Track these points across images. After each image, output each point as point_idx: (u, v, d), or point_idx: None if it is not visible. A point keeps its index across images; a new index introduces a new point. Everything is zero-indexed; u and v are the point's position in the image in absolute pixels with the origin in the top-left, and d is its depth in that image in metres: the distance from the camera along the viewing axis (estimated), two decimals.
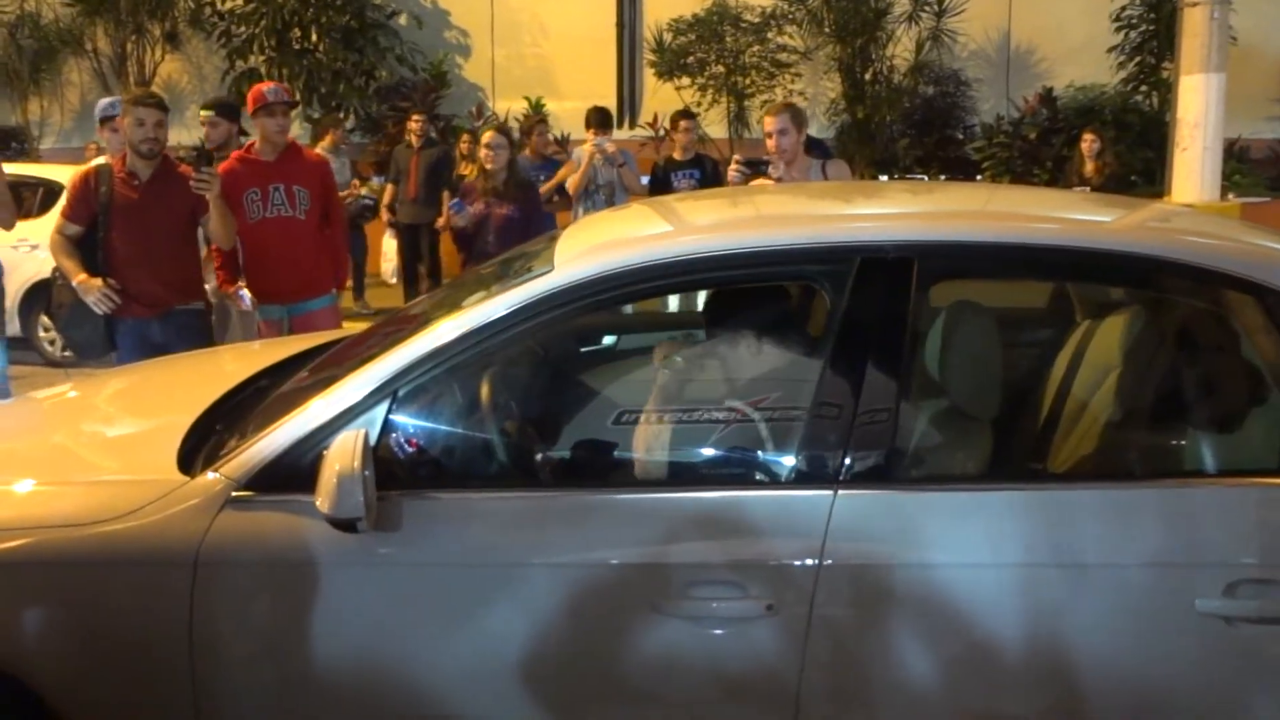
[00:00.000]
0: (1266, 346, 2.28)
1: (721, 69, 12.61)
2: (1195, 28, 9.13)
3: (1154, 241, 2.37)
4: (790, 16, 12.68)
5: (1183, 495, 2.15)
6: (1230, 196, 10.09)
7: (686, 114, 8.11)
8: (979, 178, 11.82)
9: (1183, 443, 2.45)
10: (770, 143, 4.86)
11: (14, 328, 7.67)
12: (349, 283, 7.44)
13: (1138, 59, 12.35)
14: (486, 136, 6.13)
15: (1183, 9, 9.22)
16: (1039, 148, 11.78)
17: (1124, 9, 12.28)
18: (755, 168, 4.71)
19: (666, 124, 7.89)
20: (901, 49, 12.90)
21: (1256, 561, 2.06)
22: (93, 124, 14.34)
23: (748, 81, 12.63)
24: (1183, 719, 2.09)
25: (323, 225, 4.94)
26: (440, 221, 6.05)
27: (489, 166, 5.98)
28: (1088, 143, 9.79)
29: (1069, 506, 2.13)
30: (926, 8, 12.72)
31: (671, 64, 12.65)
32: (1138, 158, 11.55)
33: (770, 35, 12.62)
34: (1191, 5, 9.11)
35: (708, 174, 7.40)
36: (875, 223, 2.59)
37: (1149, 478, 2.29)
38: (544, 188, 7.33)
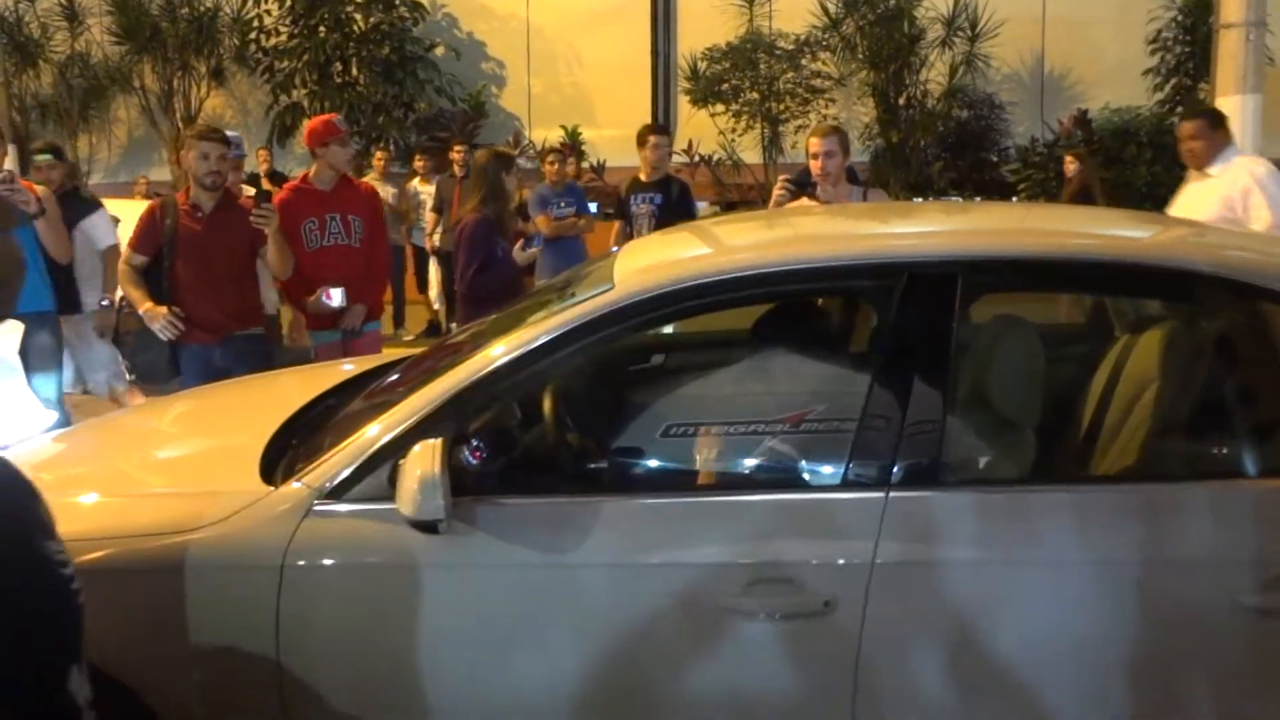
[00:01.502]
0: None
1: (756, 95, 12.77)
2: (1231, 49, 9.18)
3: (1189, 255, 2.47)
4: (824, 43, 12.84)
5: (1221, 495, 2.23)
6: None
7: (658, 129, 7.01)
8: (1014, 200, 11.86)
9: (1221, 448, 2.52)
10: (816, 164, 4.82)
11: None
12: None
13: (1173, 80, 12.39)
14: (552, 156, 5.95)
15: (1218, 31, 9.27)
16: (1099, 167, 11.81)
17: (1160, 31, 12.34)
18: (802, 187, 4.71)
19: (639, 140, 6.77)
20: (935, 73, 13.02)
21: None
22: (140, 160, 14.76)
23: (782, 108, 12.78)
24: (1224, 710, 2.16)
25: (374, 253, 5.08)
26: (527, 253, 5.45)
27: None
28: (1067, 164, 9.95)
29: (1112, 507, 2.22)
30: (960, 33, 12.84)
31: (706, 91, 12.83)
32: (1174, 179, 11.54)
33: (804, 62, 12.78)
34: (1227, 27, 9.16)
35: (672, 199, 6.59)
36: (921, 240, 2.70)
37: (1192, 479, 2.37)
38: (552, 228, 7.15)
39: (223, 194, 4.73)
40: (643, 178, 6.72)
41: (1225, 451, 2.51)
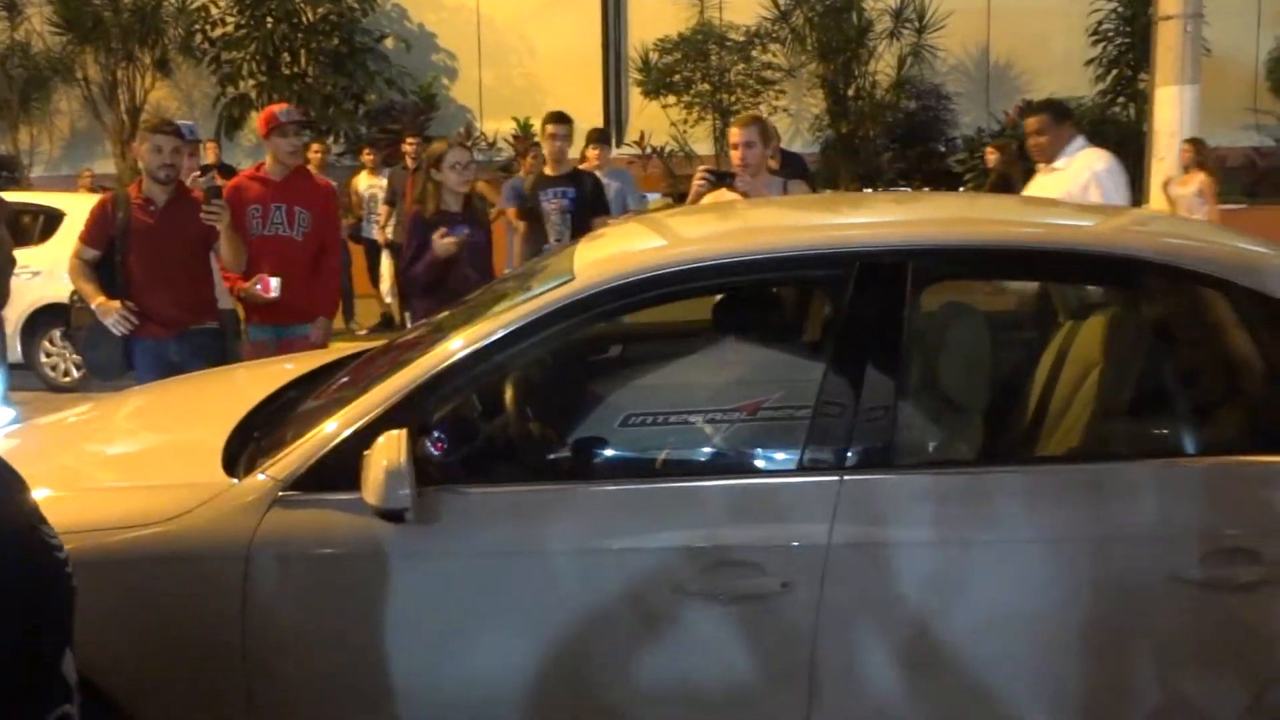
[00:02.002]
0: (1236, 339, 2.47)
1: (707, 87, 12.86)
2: (1169, 41, 9.39)
3: (1132, 243, 2.56)
4: (774, 35, 12.95)
5: (1161, 473, 2.33)
6: None
7: (558, 117, 6.22)
8: (961, 189, 12.05)
9: (1164, 427, 2.62)
10: (736, 154, 4.78)
11: (15, 354, 7.79)
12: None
13: (1115, 71, 12.67)
14: (453, 155, 4.95)
15: (1157, 23, 9.48)
16: (1020, 158, 12.02)
17: (1100, 23, 12.59)
18: (721, 178, 4.64)
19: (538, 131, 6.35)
20: (883, 65, 13.19)
21: (1232, 533, 2.24)
22: (84, 152, 14.52)
23: (733, 99, 12.88)
24: (1165, 678, 2.26)
25: (320, 252, 5.00)
26: (442, 242, 4.76)
27: (460, 190, 4.92)
28: (988, 155, 10.36)
29: (1059, 487, 2.31)
30: (907, 24, 13.02)
31: (657, 83, 12.90)
32: None
33: (755, 53, 12.89)
34: (1165, 19, 9.37)
35: (586, 195, 6.09)
36: (872, 229, 2.77)
37: (1135, 458, 2.46)
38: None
39: (176, 187, 4.71)
40: (548, 171, 6.21)
41: (1165, 432, 2.61)
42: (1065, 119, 5.08)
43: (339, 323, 9.40)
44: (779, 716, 2.30)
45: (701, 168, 4.70)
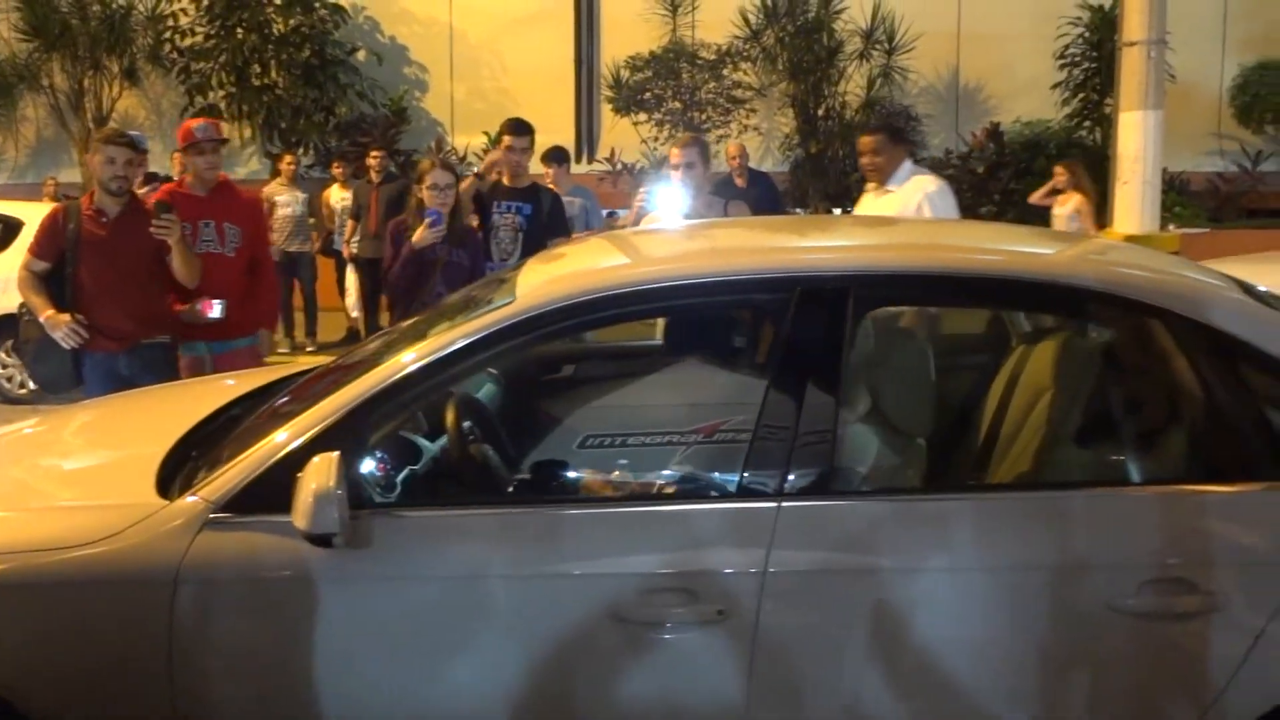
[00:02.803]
0: (1176, 369, 2.47)
1: (678, 105, 12.87)
2: (1133, 66, 9.49)
3: (1075, 271, 2.57)
4: (745, 54, 12.99)
5: (1103, 502, 2.33)
6: (1171, 228, 10.46)
7: (516, 126, 5.71)
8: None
9: (1105, 456, 2.63)
10: (676, 175, 4.74)
11: None
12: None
13: (1081, 95, 12.78)
14: (432, 176, 4.91)
15: (1121, 49, 9.58)
16: (987, 181, 12.13)
17: (1067, 47, 12.71)
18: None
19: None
20: (853, 85, 13.25)
21: (1168, 562, 2.24)
22: (49, 160, 14.37)
23: (704, 117, 12.89)
24: (1103, 707, 2.25)
25: (253, 265, 4.94)
26: (417, 236, 4.75)
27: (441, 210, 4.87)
28: None
29: (997, 514, 2.30)
30: (877, 46, 13.09)
31: (629, 100, 12.90)
32: None
33: (726, 72, 12.92)
34: (1129, 45, 9.47)
35: (543, 213, 5.60)
36: (815, 255, 2.77)
37: (1074, 487, 2.46)
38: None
39: (129, 199, 4.65)
40: (505, 180, 5.65)
41: (1106, 460, 2.62)
42: (900, 140, 5.00)
43: (284, 336, 9.38)
44: None
45: (642, 189, 4.68)
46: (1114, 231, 9.56)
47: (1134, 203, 9.58)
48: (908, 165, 4.93)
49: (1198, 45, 12.49)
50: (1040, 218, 9.77)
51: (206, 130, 4.90)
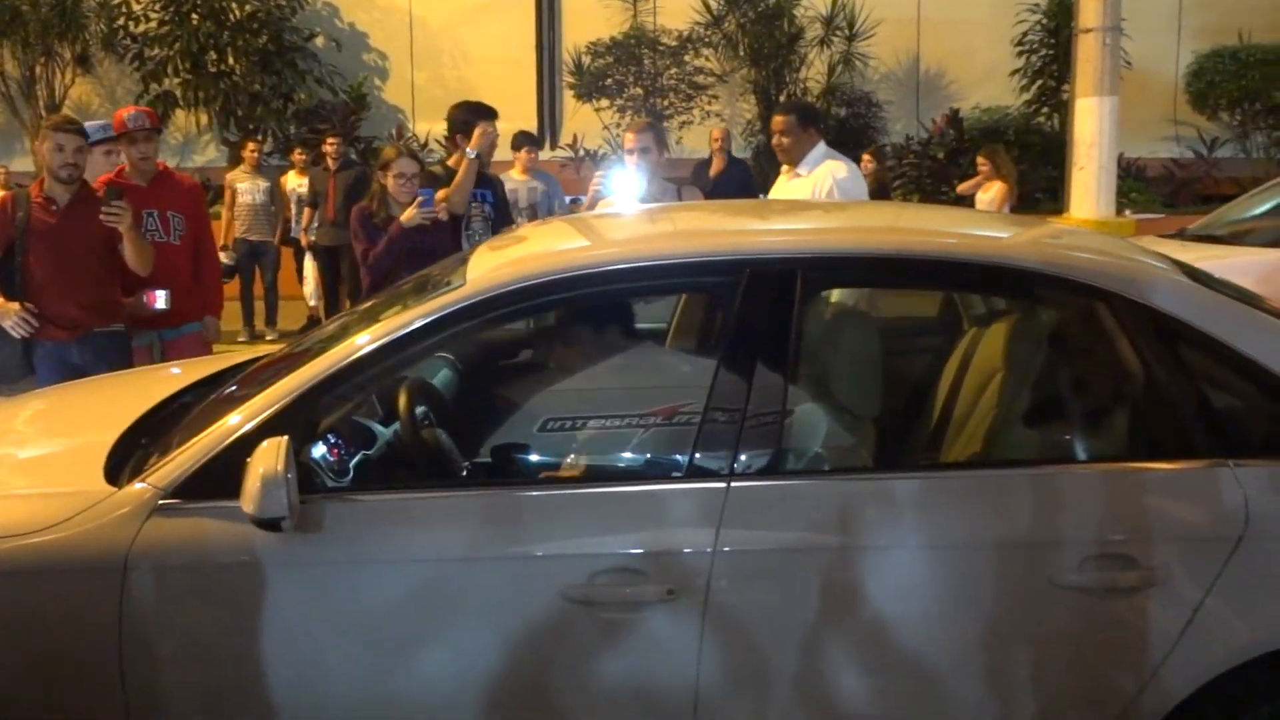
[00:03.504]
0: (1120, 349, 2.51)
1: (640, 91, 12.87)
2: (1089, 53, 9.59)
3: (1019, 253, 2.60)
4: (706, 40, 13.01)
5: (1048, 480, 2.36)
6: (1127, 213, 10.59)
7: (481, 110, 5.43)
8: (890, 196, 12.20)
9: (1052, 435, 2.67)
10: (631, 160, 4.73)
11: None
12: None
13: (1039, 82, 12.91)
14: (399, 165, 4.88)
15: (1077, 35, 9.68)
16: (947, 167, 12.22)
17: (1025, 34, 12.82)
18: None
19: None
20: (814, 72, 13.30)
21: (1108, 538, 2.28)
22: (1, 149, 14.11)
23: (666, 103, 12.90)
24: (1050, 680, 2.29)
25: (198, 252, 4.93)
26: (406, 215, 4.67)
27: (400, 200, 4.86)
28: (865, 163, 10.25)
29: (944, 493, 2.34)
30: (838, 32, 13.15)
31: (590, 86, 12.88)
32: (1041, 176, 12.06)
33: (687, 58, 12.93)
34: (1085, 32, 9.57)
35: (499, 200, 5.50)
36: (764, 238, 2.78)
37: (1020, 466, 2.50)
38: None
39: (79, 187, 4.59)
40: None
41: (1052, 440, 2.65)
42: (812, 124, 4.97)
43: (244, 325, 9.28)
44: None
45: (599, 174, 4.67)
46: (1070, 217, 9.67)
47: (1090, 188, 9.70)
48: (820, 149, 4.91)
49: (1153, 32, 12.64)
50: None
51: (137, 119, 4.84)
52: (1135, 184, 12.17)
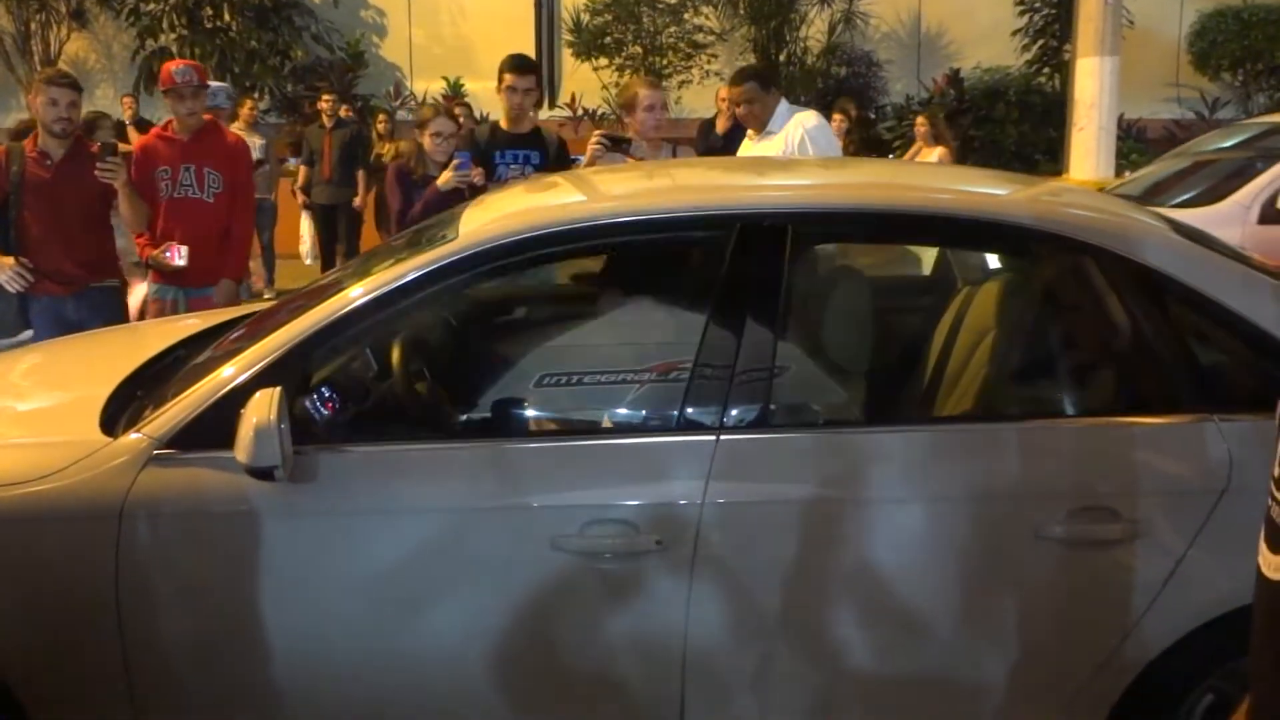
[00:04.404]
0: (1109, 304, 2.52)
1: (639, 49, 12.78)
2: (1090, 12, 9.53)
3: (1009, 209, 2.61)
4: None
5: (1034, 434, 2.39)
6: (1127, 174, 10.56)
7: (520, 64, 5.07)
8: (890, 156, 12.16)
9: (1040, 390, 2.69)
10: (649, 116, 4.64)
11: None
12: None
13: (1040, 42, 12.81)
14: (436, 124, 4.78)
15: None
16: (948, 127, 12.14)
17: None
18: (616, 143, 4.50)
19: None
20: (815, 30, 13.19)
21: (1094, 491, 2.31)
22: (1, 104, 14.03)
23: (665, 62, 12.81)
24: (1032, 630, 2.33)
25: (231, 213, 4.84)
26: (443, 179, 4.50)
27: (437, 159, 4.75)
28: (836, 122, 10.14)
29: (930, 446, 2.36)
30: None
31: (589, 44, 12.78)
32: (1041, 137, 12.00)
33: (686, 16, 12.83)
34: None
35: (551, 161, 4.99)
36: (755, 193, 2.79)
37: (1006, 420, 2.52)
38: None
39: (73, 142, 4.59)
40: (504, 125, 5.03)
41: (1042, 395, 2.67)
42: (772, 84, 5.06)
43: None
44: (654, 673, 2.33)
45: (598, 132, 4.60)
46: (1070, 178, 9.64)
47: (1089, 149, 9.67)
48: (784, 106, 4.97)
49: None
50: (1007, 163, 9.83)
51: (185, 74, 4.75)
52: (1135, 145, 12.10)
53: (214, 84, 5.07)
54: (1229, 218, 6.19)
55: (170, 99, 4.77)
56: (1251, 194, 6.53)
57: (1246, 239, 6.00)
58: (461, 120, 7.26)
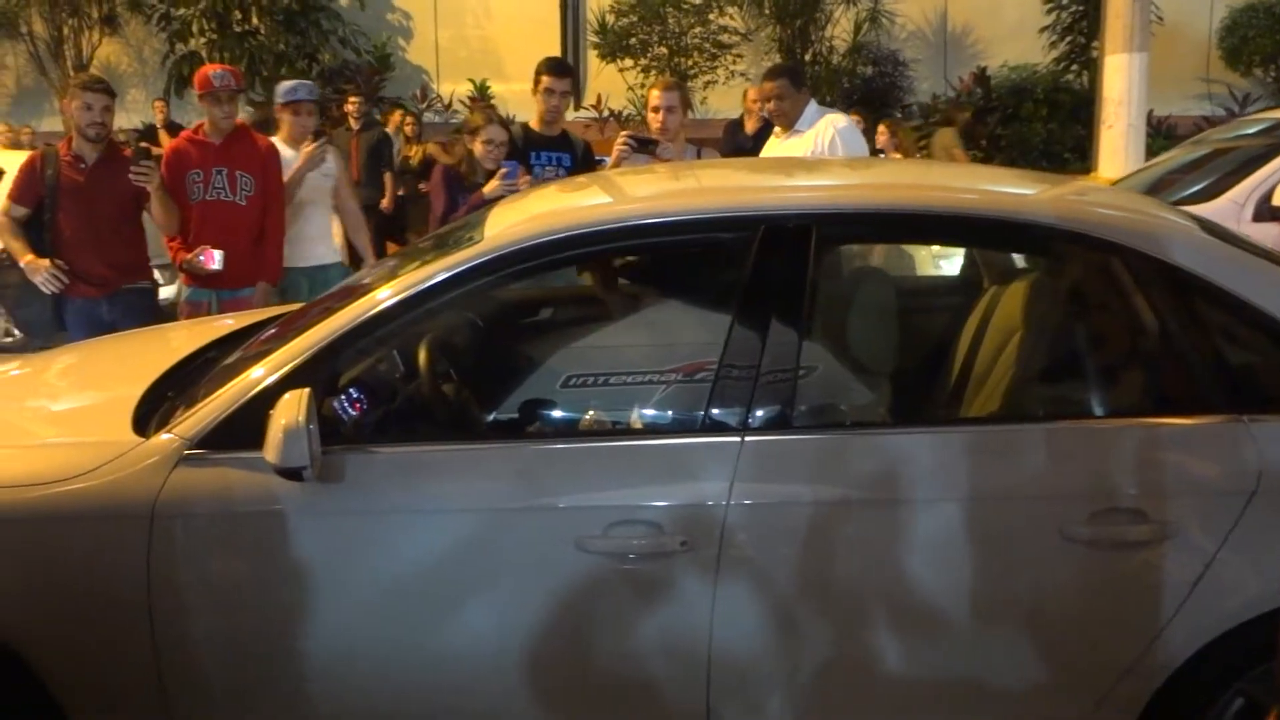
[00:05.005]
0: (1136, 304, 2.51)
1: (664, 50, 12.79)
2: (1119, 9, 9.43)
3: (1033, 209, 2.60)
4: None
5: (1061, 435, 2.38)
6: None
7: (557, 67, 5.18)
8: (916, 156, 12.10)
9: (1067, 391, 2.67)
10: (657, 118, 4.65)
11: None
12: None
13: (1069, 39, 12.73)
14: (489, 131, 4.77)
15: None
16: (974, 126, 12.08)
17: None
18: (643, 144, 4.50)
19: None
20: (840, 30, 13.17)
21: (1119, 492, 2.30)
22: (30, 108, 14.25)
23: (690, 63, 12.82)
24: (1056, 631, 2.32)
25: (264, 215, 4.90)
26: (490, 187, 4.54)
27: (490, 166, 4.73)
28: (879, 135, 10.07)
29: (956, 448, 2.36)
30: None
31: (615, 45, 12.81)
32: (1069, 135, 11.93)
33: (712, 17, 12.83)
34: None
35: (579, 164, 5.10)
36: (779, 194, 2.79)
37: (1033, 421, 2.51)
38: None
39: (106, 145, 4.66)
40: (535, 126, 5.12)
41: (1068, 396, 2.66)
42: (802, 84, 5.09)
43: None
44: (679, 673, 2.34)
45: (624, 133, 4.61)
46: (1098, 176, 9.56)
47: (1118, 147, 9.57)
48: (813, 106, 5.02)
49: None
50: (1035, 161, 9.76)
51: (223, 78, 4.83)
52: (1165, 143, 11.99)
53: (305, 82, 5.26)
54: (1223, 215, 6.05)
55: (207, 102, 4.84)
56: (1246, 191, 6.38)
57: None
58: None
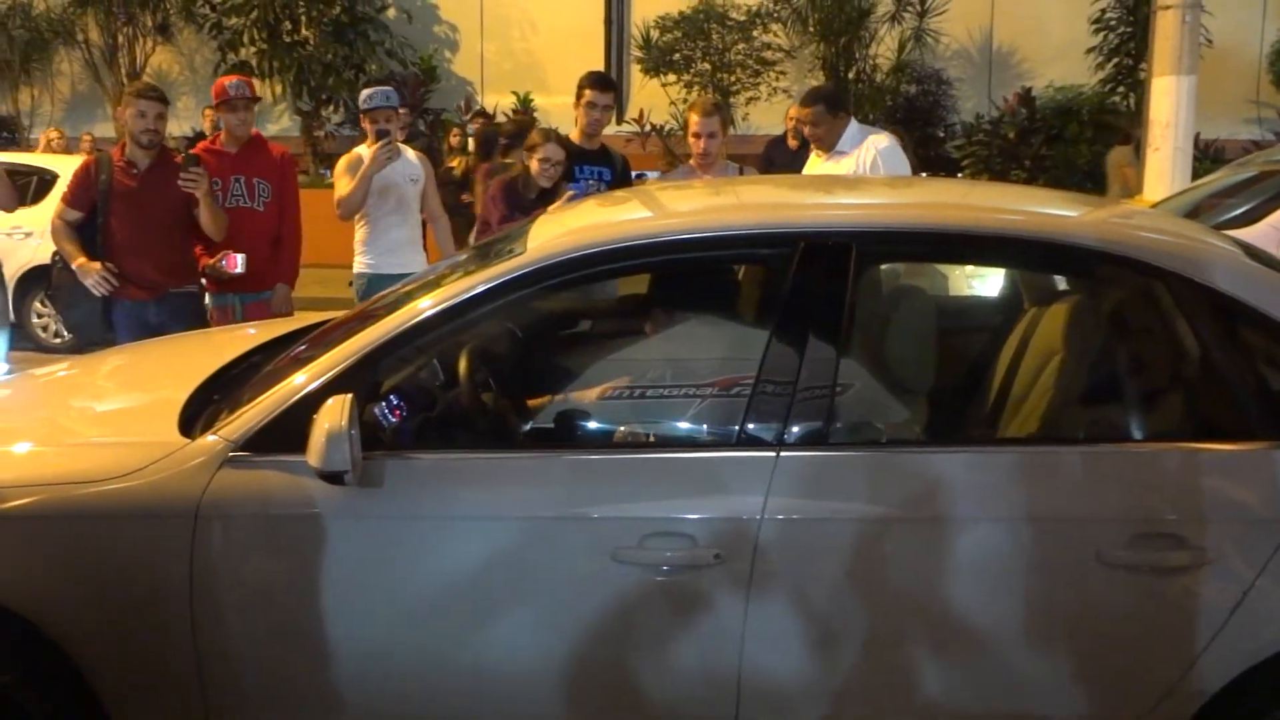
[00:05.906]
0: (1178, 329, 2.50)
1: (708, 66, 12.85)
2: (1167, 31, 9.36)
3: (1074, 231, 2.59)
4: (775, 15, 12.94)
5: (1099, 458, 2.37)
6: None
7: (601, 81, 5.21)
8: (959, 175, 12.06)
9: (1106, 414, 2.66)
10: (699, 144, 4.64)
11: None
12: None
13: (1116, 60, 12.63)
14: (546, 150, 4.71)
15: (1155, 12, 9.45)
16: (1018, 146, 12.03)
17: (1103, 11, 12.55)
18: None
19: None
20: (884, 48, 13.17)
21: (1157, 518, 2.28)
22: (84, 114, 14.55)
23: (733, 79, 12.86)
24: (1092, 654, 2.31)
25: (281, 217, 5.07)
26: (554, 208, 4.22)
27: (544, 184, 4.72)
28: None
29: (992, 468, 2.35)
30: (909, 8, 12.99)
31: (658, 60, 12.88)
32: None
33: (756, 33, 12.88)
34: (1164, 9, 9.33)
35: (618, 178, 5.14)
36: (819, 211, 2.81)
37: (1070, 443, 2.50)
38: None
39: (159, 152, 4.75)
40: (576, 139, 5.14)
41: (1108, 419, 2.64)
42: (840, 107, 5.05)
43: (312, 290, 9.38)
44: (710, 686, 2.35)
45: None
46: (1144, 199, 9.48)
47: (1164, 170, 9.48)
48: (854, 127, 4.99)
49: (1236, 9, 12.31)
50: (1080, 183, 9.67)
51: (239, 88, 5.01)
52: (1213, 166, 11.85)
53: (381, 89, 5.38)
54: (1263, 239, 5.98)
55: (223, 111, 5.01)
56: None
57: None
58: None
